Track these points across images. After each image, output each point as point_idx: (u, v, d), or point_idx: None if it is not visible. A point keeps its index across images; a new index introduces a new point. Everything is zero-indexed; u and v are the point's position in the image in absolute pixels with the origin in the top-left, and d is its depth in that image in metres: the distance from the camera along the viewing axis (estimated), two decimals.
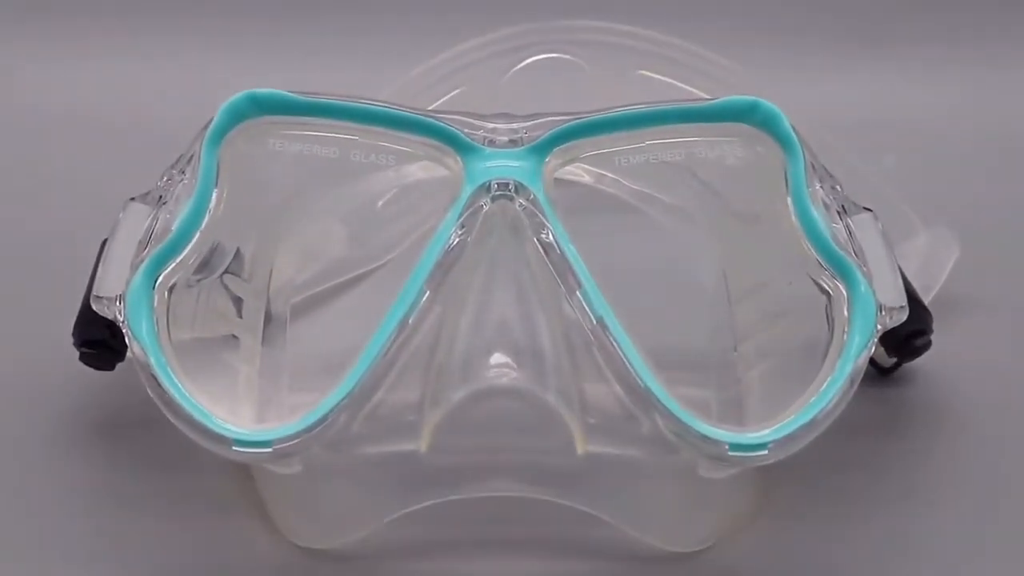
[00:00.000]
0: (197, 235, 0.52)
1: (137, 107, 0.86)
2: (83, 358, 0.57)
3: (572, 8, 0.69)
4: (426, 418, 0.51)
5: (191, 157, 0.54)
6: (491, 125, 0.54)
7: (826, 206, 0.53)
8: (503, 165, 0.53)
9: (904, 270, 0.55)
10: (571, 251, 0.51)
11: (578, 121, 0.53)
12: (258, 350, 0.57)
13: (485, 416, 0.51)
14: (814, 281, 0.52)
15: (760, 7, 0.91)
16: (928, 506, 0.57)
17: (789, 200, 0.53)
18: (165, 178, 0.55)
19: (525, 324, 0.51)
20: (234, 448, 0.49)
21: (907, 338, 0.58)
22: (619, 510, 0.53)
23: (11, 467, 0.59)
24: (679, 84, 0.67)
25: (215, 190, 0.53)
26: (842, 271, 0.51)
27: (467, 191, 0.52)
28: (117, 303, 0.51)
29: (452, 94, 0.69)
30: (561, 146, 0.54)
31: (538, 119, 0.54)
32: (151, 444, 0.58)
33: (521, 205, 0.52)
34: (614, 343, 0.50)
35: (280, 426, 0.50)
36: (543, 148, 0.53)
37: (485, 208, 0.52)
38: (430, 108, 0.57)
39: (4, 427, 0.61)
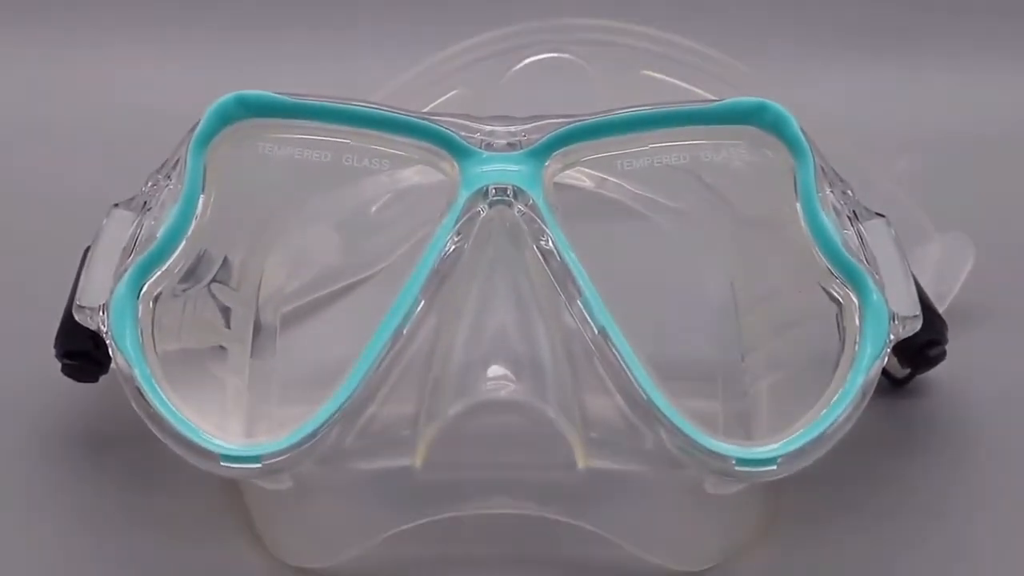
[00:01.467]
0: (183, 242, 0.52)
1: (121, 110, 0.86)
2: (65, 370, 0.57)
3: (573, 6, 0.69)
4: (421, 432, 0.51)
5: (177, 161, 0.54)
6: (489, 128, 0.54)
7: (837, 211, 0.54)
8: (501, 169, 0.53)
9: (918, 277, 0.55)
10: (571, 258, 0.51)
11: (579, 123, 0.54)
12: (247, 362, 0.57)
13: (482, 430, 0.51)
14: (824, 289, 0.52)
15: (767, 5, 0.91)
16: (943, 522, 0.57)
17: (798, 205, 0.53)
18: (150, 183, 0.55)
19: (524, 334, 0.51)
20: (222, 463, 0.49)
21: (921, 348, 0.58)
22: (622, 527, 0.53)
23: None
24: (683, 85, 0.67)
25: (202, 195, 0.53)
26: (853, 279, 0.51)
27: (463, 196, 0.52)
28: (100, 313, 0.51)
29: (448, 95, 0.69)
30: (561, 149, 0.54)
31: (537, 121, 0.54)
32: (135, 459, 0.58)
33: (520, 211, 0.52)
34: (616, 354, 0.50)
35: (270, 441, 0.50)
36: (543, 151, 0.53)
37: (482, 214, 0.52)
38: (425, 110, 0.58)
39: None
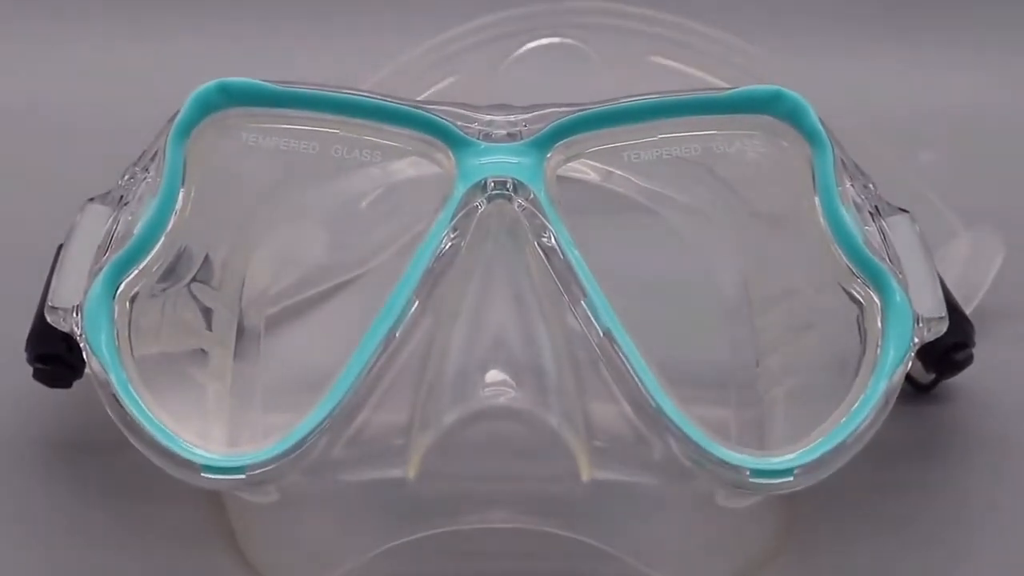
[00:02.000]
0: (162, 239, 0.52)
1: (97, 98, 0.86)
2: (37, 375, 0.57)
3: None
4: (415, 442, 0.51)
5: (155, 153, 0.54)
6: (487, 117, 0.54)
7: (857, 207, 0.53)
8: (500, 161, 0.53)
9: (943, 277, 0.55)
10: (575, 256, 0.51)
11: (583, 113, 0.53)
12: (230, 366, 0.57)
13: (480, 440, 0.50)
14: (844, 289, 0.52)
15: None
16: (969, 537, 0.57)
17: (816, 200, 0.53)
18: (127, 176, 0.55)
19: (524, 337, 0.51)
20: (203, 474, 0.49)
21: (947, 352, 0.58)
22: (629, 543, 0.52)
23: None
24: (694, 71, 0.67)
25: (182, 189, 0.53)
26: (875, 278, 0.51)
27: (460, 190, 0.52)
28: (74, 314, 0.51)
29: (444, 83, 0.69)
30: (564, 140, 0.54)
31: (539, 111, 0.54)
32: (111, 469, 0.58)
33: (520, 205, 0.52)
34: (623, 358, 0.50)
35: (254, 450, 0.50)
36: (545, 142, 0.53)
37: (480, 209, 0.52)
38: (419, 98, 0.58)
39: None
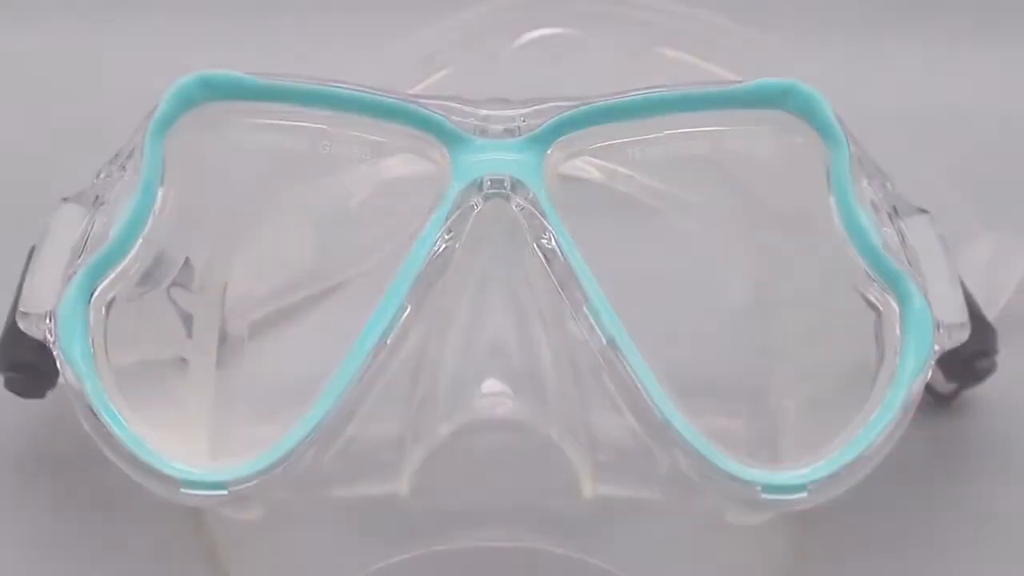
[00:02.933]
0: (140, 241, 0.52)
1: (71, 92, 0.86)
2: (8, 384, 0.57)
3: None
4: (407, 456, 0.51)
5: (133, 150, 0.54)
6: (484, 112, 0.54)
7: (875, 207, 0.53)
8: (498, 158, 0.53)
9: (964, 281, 0.55)
10: (577, 259, 0.51)
11: (585, 107, 0.53)
12: (211, 375, 0.58)
13: (477, 453, 0.51)
14: (861, 294, 0.52)
15: None
16: (992, 554, 0.57)
17: (832, 199, 0.53)
18: (103, 175, 0.55)
19: (523, 345, 0.52)
20: (183, 490, 0.49)
21: (969, 360, 0.58)
22: (633, 562, 0.53)
23: None
24: (702, 64, 0.67)
25: (161, 188, 0.53)
26: (893, 282, 0.51)
27: (455, 189, 0.52)
28: (47, 320, 0.51)
29: (438, 76, 0.69)
30: (566, 136, 0.53)
31: (539, 105, 0.54)
32: (85, 484, 0.58)
33: (518, 205, 0.52)
34: (627, 367, 0.50)
35: (237, 464, 0.50)
36: (545, 138, 0.53)
37: (476, 209, 0.52)
38: (412, 92, 0.57)
39: None
